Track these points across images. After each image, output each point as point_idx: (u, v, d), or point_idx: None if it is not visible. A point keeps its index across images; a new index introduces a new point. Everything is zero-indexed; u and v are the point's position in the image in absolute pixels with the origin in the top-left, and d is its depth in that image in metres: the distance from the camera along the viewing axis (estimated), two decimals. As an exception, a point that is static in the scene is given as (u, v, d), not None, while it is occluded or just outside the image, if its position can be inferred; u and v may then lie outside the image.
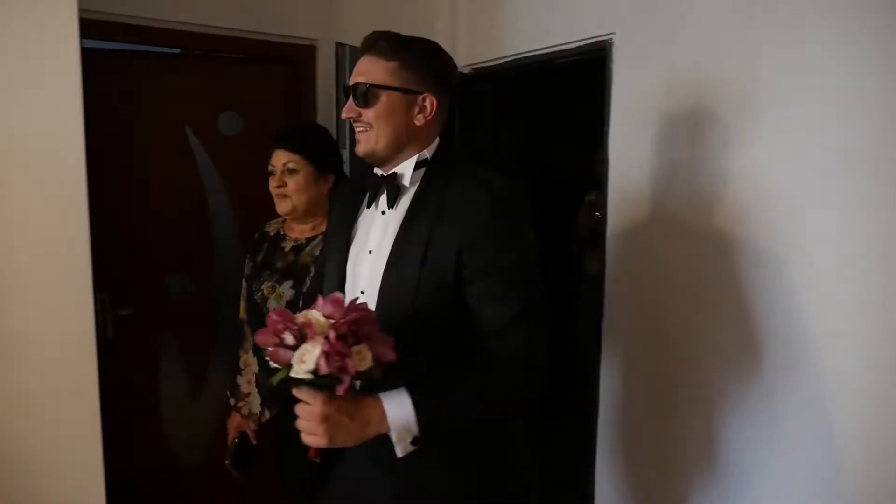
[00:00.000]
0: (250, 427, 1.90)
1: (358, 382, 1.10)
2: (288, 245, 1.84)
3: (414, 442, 1.10)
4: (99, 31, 2.22)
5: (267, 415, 1.89)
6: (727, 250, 1.91)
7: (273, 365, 1.05)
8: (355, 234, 1.32)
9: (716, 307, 1.96)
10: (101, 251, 1.85)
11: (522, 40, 2.60)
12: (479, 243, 1.15)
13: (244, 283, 1.93)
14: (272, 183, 1.78)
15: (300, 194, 1.75)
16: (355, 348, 1.02)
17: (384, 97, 1.21)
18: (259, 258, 1.89)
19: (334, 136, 2.06)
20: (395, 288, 1.20)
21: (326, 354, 0.99)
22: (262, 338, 1.06)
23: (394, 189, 1.25)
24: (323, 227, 1.77)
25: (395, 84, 1.22)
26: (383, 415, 1.09)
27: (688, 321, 2.06)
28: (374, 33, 1.25)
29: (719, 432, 1.97)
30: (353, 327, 1.03)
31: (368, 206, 1.31)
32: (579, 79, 2.88)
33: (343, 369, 1.00)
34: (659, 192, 2.14)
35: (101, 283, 1.97)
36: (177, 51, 2.62)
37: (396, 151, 1.25)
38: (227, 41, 2.55)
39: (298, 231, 1.84)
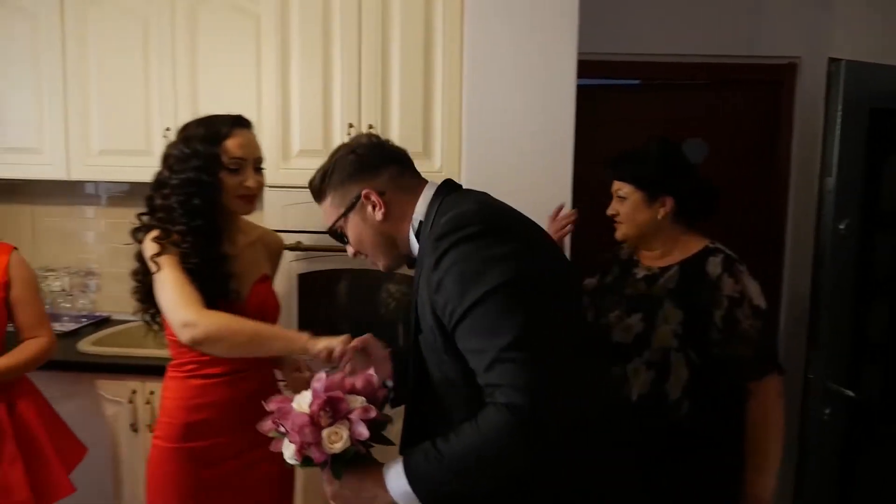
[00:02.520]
0: None
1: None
2: (640, 272, 1.74)
3: None
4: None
5: None
6: None
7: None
8: None
9: None
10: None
11: None
12: (436, 293, 1.06)
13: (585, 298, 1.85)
14: (609, 209, 1.79)
15: (629, 222, 1.72)
16: (327, 430, 1.04)
17: (348, 229, 1.24)
18: (608, 279, 1.84)
19: (822, 159, 1.82)
20: (414, 360, 1.19)
21: (298, 447, 1.06)
22: (264, 427, 1.13)
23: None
24: (673, 257, 1.69)
25: (341, 212, 1.23)
26: (386, 487, 1.06)
27: None
28: (310, 181, 1.27)
29: None
30: (327, 408, 1.05)
31: None
32: None
33: (313, 458, 1.05)
34: None
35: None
36: (637, 82, 2.71)
37: (393, 249, 1.24)
38: (687, 68, 2.57)
39: (649, 258, 1.75)
